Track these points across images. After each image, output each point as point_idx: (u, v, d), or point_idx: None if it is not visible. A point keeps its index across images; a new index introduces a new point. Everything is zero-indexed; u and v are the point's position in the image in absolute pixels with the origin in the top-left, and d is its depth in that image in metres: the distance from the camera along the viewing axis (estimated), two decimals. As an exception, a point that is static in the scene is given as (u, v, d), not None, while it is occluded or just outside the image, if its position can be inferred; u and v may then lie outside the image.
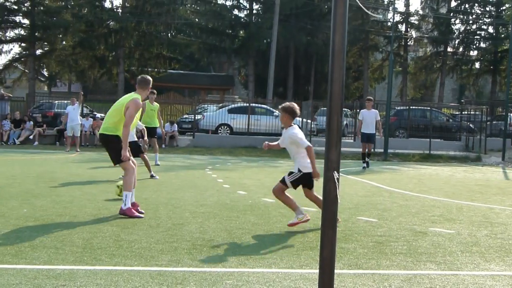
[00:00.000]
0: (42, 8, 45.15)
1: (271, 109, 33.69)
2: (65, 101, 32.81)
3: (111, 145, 9.48)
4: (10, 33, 47.00)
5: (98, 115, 32.77)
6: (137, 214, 9.14)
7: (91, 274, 5.78)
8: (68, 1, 46.75)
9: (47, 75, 57.89)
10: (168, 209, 9.87)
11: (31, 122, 30.02)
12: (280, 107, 8.77)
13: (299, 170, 8.54)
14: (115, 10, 48.84)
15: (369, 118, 19.99)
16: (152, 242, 7.25)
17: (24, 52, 47.82)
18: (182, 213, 9.48)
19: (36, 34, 44.92)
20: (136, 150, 14.09)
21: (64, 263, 6.16)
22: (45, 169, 14.31)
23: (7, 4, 44.82)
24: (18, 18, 46.63)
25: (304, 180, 8.60)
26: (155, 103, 18.18)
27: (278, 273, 6.06)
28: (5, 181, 13.18)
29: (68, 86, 65.02)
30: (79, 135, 26.23)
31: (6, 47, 46.92)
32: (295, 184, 8.62)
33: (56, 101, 34.75)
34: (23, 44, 47.87)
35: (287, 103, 8.85)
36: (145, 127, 18.52)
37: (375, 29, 53.96)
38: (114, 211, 9.45)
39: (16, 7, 45.06)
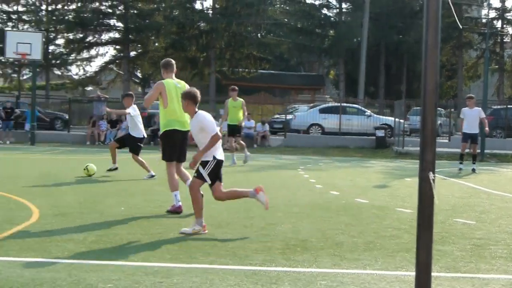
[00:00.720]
0: (135, 11, 46.29)
1: (362, 108, 33.40)
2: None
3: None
4: (105, 36, 48.50)
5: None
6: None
7: (186, 272, 5.85)
8: (160, 4, 47.72)
9: (140, 76, 59.25)
10: (261, 209, 9.86)
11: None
12: (181, 94, 8.18)
13: (214, 158, 7.83)
14: (205, 11, 49.50)
15: (472, 117, 18.79)
16: (246, 242, 7.28)
17: (118, 54, 49.13)
18: (275, 213, 9.49)
19: (130, 36, 46.14)
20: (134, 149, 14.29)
21: (160, 260, 6.26)
22: (139, 168, 14.60)
23: (102, 8, 46.20)
24: (112, 22, 48.07)
25: (219, 168, 7.95)
26: (239, 99, 18.22)
27: (373, 275, 5.98)
28: (101, 179, 13.56)
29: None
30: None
31: (101, 50, 48.58)
32: (213, 176, 7.85)
33: (150, 102, 35.39)
34: (117, 47, 49.20)
35: (187, 89, 8.38)
36: (228, 124, 18.66)
37: (469, 26, 52.59)
38: (208, 211, 9.55)
39: (110, 11, 46.41)
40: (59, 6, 48.09)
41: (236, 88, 18.43)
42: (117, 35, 48.38)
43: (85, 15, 46.79)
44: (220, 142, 7.96)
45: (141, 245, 6.94)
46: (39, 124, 30.69)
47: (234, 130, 18.67)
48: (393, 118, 31.99)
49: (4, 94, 43.67)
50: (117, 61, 49.05)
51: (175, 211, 9.33)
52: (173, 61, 10.10)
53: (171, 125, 9.48)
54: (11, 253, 6.34)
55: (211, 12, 48.88)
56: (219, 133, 7.91)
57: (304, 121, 32.19)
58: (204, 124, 7.83)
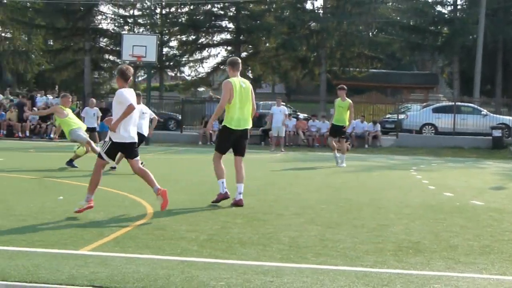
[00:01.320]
0: (246, 12, 46.82)
1: (478, 107, 32.41)
2: (270, 102, 33.71)
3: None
4: (217, 38, 49.29)
5: (301, 115, 33.33)
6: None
7: (297, 271, 5.84)
8: (270, 5, 48.02)
9: (251, 77, 59.86)
10: (372, 210, 9.78)
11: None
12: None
13: (110, 139, 8.63)
14: (316, 11, 49.38)
15: None
16: (357, 242, 7.20)
17: (230, 55, 49.80)
18: (386, 214, 9.35)
19: (241, 37, 46.65)
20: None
21: (271, 260, 6.27)
22: (248, 168, 14.75)
23: (214, 10, 47.02)
24: (224, 23, 48.80)
25: (120, 149, 8.81)
26: (347, 99, 17.66)
27: (489, 279, 5.76)
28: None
29: (272, 87, 66.72)
30: (283, 135, 26.81)
31: (213, 51, 49.24)
32: (110, 154, 8.68)
33: (261, 102, 35.75)
34: (229, 48, 49.89)
35: (120, 66, 9.13)
36: (332, 124, 18.17)
37: None
38: (319, 211, 9.54)
39: (222, 12, 47.14)
40: (173, 9, 49.31)
41: (345, 87, 17.87)
42: (228, 36, 49.10)
43: (198, 17, 47.75)
44: (133, 119, 8.76)
45: (252, 244, 6.98)
46: (154, 124, 31.53)
47: (337, 132, 18.04)
48: (511, 117, 30.88)
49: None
50: (228, 62, 49.77)
51: (223, 198, 9.83)
52: (239, 60, 10.59)
53: (230, 123, 9.95)
54: (128, 249, 6.53)
55: (321, 11, 48.73)
56: (134, 105, 8.69)
57: (416, 121, 31.59)
58: (120, 98, 8.66)
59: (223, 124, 10.04)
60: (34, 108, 33.07)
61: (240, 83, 10.03)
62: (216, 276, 5.55)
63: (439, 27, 52.90)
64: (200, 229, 7.71)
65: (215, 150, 10.17)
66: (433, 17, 51.19)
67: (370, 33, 50.73)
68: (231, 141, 10.05)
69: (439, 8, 52.45)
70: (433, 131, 31.41)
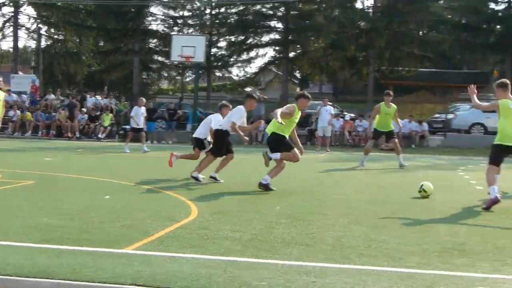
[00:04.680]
0: (296, 12, 46.72)
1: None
2: (316, 102, 33.64)
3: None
4: (265, 38, 49.30)
5: (348, 115, 33.16)
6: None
7: (340, 272, 5.83)
8: (320, 4, 47.79)
9: (299, 77, 59.74)
10: (417, 210, 9.70)
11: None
12: None
13: None
14: (366, 10, 49.03)
15: None
16: (401, 243, 7.15)
17: (278, 55, 49.78)
18: (432, 215, 9.26)
19: (290, 37, 46.57)
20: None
21: (314, 260, 6.27)
22: (293, 167, 14.75)
23: (263, 10, 47.04)
24: (273, 23, 48.77)
25: None
26: (392, 105, 17.42)
27: (536, 282, 5.68)
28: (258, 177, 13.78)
29: (319, 87, 66.54)
30: (329, 135, 26.73)
31: (261, 51, 49.17)
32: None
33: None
34: (277, 48, 49.86)
35: None
36: (378, 130, 17.73)
37: None
38: (364, 211, 9.50)
39: (271, 12, 47.12)
40: (222, 9, 49.50)
41: (391, 93, 17.65)
42: (277, 36, 49.03)
43: (247, 17, 47.81)
44: None
45: (295, 244, 6.99)
46: (200, 124, 31.80)
47: (388, 136, 17.86)
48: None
49: (168, 95, 45.59)
50: (276, 62, 49.70)
51: (493, 203, 9.93)
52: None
53: None
54: (171, 248, 6.60)
55: (371, 11, 48.36)
56: None
57: (465, 120, 31.16)
58: None
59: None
60: (82, 108, 33.60)
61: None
62: (258, 276, 5.58)
63: (491, 25, 52.03)
64: (244, 229, 7.75)
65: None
66: (487, 15, 50.36)
67: (421, 32, 50.08)
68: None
69: (492, 5, 51.56)
70: (482, 131, 30.92)
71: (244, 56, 51.41)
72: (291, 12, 46.26)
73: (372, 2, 48.60)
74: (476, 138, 30.03)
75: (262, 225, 8.08)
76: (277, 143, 11.88)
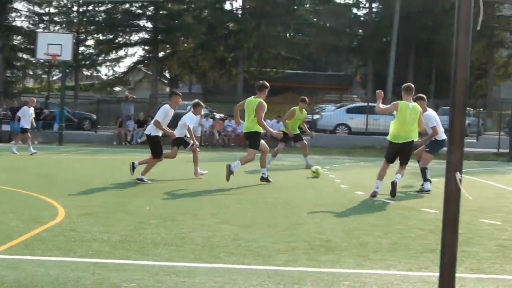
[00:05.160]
0: (165, 11, 46.48)
1: (390, 108, 33.12)
2: (186, 102, 33.58)
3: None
4: (135, 37, 48.75)
5: (218, 115, 33.32)
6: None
7: (209, 271, 5.87)
8: (189, 4, 47.82)
9: (168, 77, 59.51)
10: (286, 209, 9.90)
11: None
12: None
13: None
14: (234, 11, 49.51)
15: None
16: (269, 242, 7.28)
17: (147, 55, 49.36)
18: (299, 213, 9.49)
19: (159, 37, 46.28)
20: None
21: (184, 260, 6.29)
22: (164, 168, 14.69)
23: (132, 9, 46.49)
24: (142, 22, 48.29)
25: None
26: (304, 111, 18.17)
27: (396, 275, 5.95)
28: (131, 180, 13.60)
29: (189, 87, 66.56)
30: (199, 135, 26.73)
31: (130, 50, 48.64)
32: None
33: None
34: (146, 47, 49.43)
35: None
36: (286, 133, 18.24)
37: (500, 24, 51.71)
38: (233, 211, 9.59)
39: (140, 11, 46.64)
40: (90, 7, 48.49)
41: (307, 100, 18.42)
42: (146, 36, 48.59)
43: (116, 16, 47.09)
44: None
45: (165, 244, 6.97)
46: (68, 124, 31.08)
47: (295, 137, 18.42)
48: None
49: (34, 94, 44.15)
50: (145, 62, 49.29)
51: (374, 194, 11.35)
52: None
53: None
54: (37, 252, 6.41)
55: (240, 12, 48.88)
56: None
57: (330, 121, 32.09)
58: None
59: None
60: None
61: None
62: (127, 278, 5.53)
63: (354, 29, 53.96)
64: (113, 230, 7.64)
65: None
66: (350, 19, 52.15)
67: (288, 34, 51.16)
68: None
69: (355, 10, 53.50)
70: (347, 131, 31.97)
71: (113, 55, 50.67)
72: (160, 12, 46.04)
73: (241, 4, 49.21)
74: (341, 138, 30.97)
75: (131, 226, 7.99)
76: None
